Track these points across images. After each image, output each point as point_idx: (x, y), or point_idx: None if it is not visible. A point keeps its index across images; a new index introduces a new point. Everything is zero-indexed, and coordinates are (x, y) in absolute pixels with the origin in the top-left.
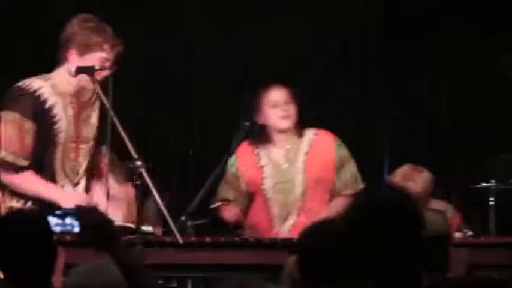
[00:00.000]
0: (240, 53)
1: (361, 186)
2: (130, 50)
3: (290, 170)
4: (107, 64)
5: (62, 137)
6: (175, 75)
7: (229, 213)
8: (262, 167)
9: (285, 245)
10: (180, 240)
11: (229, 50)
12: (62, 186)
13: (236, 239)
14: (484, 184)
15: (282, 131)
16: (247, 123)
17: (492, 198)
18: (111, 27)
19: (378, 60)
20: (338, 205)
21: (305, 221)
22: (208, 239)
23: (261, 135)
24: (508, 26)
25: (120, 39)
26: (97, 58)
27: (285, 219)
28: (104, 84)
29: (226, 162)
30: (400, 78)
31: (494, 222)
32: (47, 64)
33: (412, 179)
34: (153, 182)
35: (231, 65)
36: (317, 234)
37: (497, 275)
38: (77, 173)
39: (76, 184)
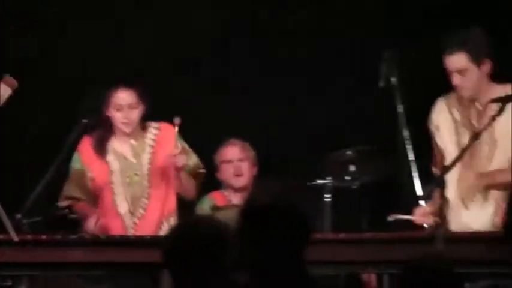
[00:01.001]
0: None
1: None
2: None
3: (137, 163)
4: None
5: None
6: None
7: (91, 224)
8: (108, 161)
9: (123, 242)
10: (15, 238)
11: None
12: None
13: (72, 236)
14: (319, 181)
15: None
16: (85, 121)
17: (328, 195)
18: None
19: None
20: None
21: (150, 214)
22: (44, 237)
23: (106, 130)
24: None
25: None
26: None
27: (132, 213)
28: None
29: (63, 159)
30: None
31: (330, 219)
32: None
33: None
34: None
35: None
36: (183, 235)
37: (331, 271)
38: None
39: None
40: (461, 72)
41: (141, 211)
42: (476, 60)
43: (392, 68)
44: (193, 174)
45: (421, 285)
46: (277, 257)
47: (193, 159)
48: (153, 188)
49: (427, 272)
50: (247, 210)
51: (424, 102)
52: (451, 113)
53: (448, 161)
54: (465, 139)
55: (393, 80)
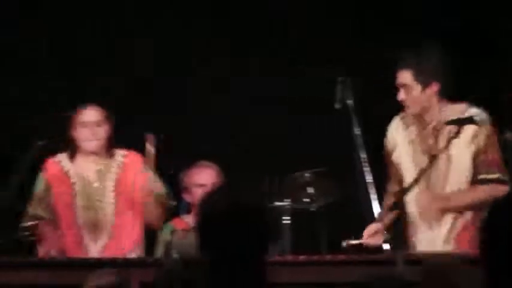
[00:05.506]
0: None
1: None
2: None
3: (101, 188)
4: None
5: None
6: None
7: (51, 244)
8: (73, 183)
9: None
10: None
11: None
12: None
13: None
14: (278, 203)
15: (90, 152)
16: (40, 143)
17: (287, 218)
18: None
19: None
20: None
21: (116, 242)
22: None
23: (71, 152)
24: None
25: None
26: None
27: (95, 239)
28: None
29: (16, 182)
30: None
31: (290, 241)
32: None
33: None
34: None
35: None
36: None
37: None
38: None
39: None
40: (405, 88)
41: (106, 240)
42: (421, 80)
43: (347, 90)
44: (160, 203)
45: None
46: (239, 262)
47: (162, 189)
48: (118, 217)
49: None
50: (206, 217)
51: (381, 124)
52: (407, 131)
53: (405, 178)
54: (420, 158)
55: (349, 102)
